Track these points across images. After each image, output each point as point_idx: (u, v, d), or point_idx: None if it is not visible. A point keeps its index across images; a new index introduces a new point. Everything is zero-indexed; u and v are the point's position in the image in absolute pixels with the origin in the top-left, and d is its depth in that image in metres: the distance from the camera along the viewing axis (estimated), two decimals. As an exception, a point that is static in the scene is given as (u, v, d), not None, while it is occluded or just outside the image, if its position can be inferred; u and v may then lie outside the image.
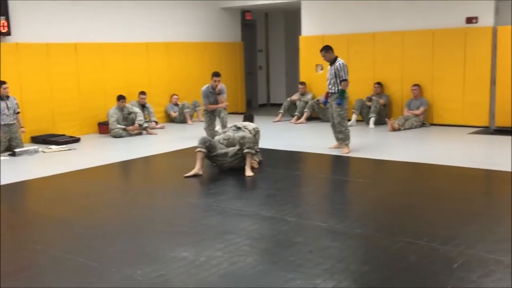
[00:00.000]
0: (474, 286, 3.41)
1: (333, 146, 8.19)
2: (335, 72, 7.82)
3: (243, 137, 6.79)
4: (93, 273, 3.79)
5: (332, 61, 7.91)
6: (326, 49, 7.94)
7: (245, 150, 6.71)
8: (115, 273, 3.77)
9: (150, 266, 3.84)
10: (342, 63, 7.83)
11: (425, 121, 10.42)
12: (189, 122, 11.64)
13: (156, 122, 11.08)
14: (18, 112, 8.88)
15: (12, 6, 9.31)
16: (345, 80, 7.78)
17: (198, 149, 6.70)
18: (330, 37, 11.48)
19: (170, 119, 11.92)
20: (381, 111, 10.63)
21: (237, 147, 6.80)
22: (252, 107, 14.57)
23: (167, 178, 7.12)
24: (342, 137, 8.01)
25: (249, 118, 7.71)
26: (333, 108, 7.96)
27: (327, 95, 8.08)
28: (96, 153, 8.77)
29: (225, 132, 7.22)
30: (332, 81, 7.88)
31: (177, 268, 3.79)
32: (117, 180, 7.36)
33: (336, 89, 7.86)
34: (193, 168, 6.63)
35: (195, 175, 6.59)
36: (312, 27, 11.88)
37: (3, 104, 8.61)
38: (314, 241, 4.32)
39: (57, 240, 4.56)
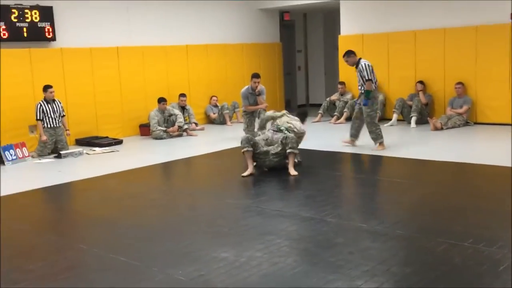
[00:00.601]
0: (521, 289, 3.32)
1: (347, 140, 8.36)
2: (360, 73, 7.94)
3: (285, 137, 6.81)
4: (135, 272, 3.86)
5: (357, 64, 8.04)
6: (348, 54, 8.14)
7: (288, 150, 6.73)
8: (157, 272, 3.83)
9: (191, 266, 3.89)
10: (365, 63, 7.95)
11: (469, 120, 10.18)
12: (229, 123, 11.71)
13: (196, 124, 11.20)
14: (64, 116, 9.13)
15: (57, 13, 9.58)
16: (369, 80, 7.86)
17: (245, 149, 6.75)
18: (370, 36, 11.36)
19: (210, 121, 12.03)
20: (422, 110, 10.43)
21: (279, 146, 6.83)
22: (291, 108, 14.53)
23: (208, 179, 7.19)
24: (374, 137, 8.10)
25: (303, 116, 7.72)
26: (363, 109, 8.06)
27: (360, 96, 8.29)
28: (138, 154, 8.93)
29: (264, 133, 7.24)
30: (359, 82, 8.01)
31: (217, 269, 3.82)
32: (159, 181, 7.46)
33: (363, 89, 7.96)
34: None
35: (251, 174, 6.69)
36: (351, 26, 11.77)
37: (49, 107, 8.87)
38: (354, 242, 4.28)
39: (101, 240, 4.66)
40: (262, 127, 7.68)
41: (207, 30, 12.14)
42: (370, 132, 8.10)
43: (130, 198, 6.10)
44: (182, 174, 7.84)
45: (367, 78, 7.86)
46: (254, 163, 6.95)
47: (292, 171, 6.64)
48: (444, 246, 4.06)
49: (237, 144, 7.79)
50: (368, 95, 7.87)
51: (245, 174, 6.67)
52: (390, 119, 10.70)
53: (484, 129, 9.75)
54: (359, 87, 8.05)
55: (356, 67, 8.04)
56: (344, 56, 8.20)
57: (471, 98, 10.18)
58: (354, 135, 8.42)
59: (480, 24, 10.05)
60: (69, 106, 9.66)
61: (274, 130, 7.12)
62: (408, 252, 4.10)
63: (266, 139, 7.01)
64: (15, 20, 9.01)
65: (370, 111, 7.96)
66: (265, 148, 6.86)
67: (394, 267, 3.73)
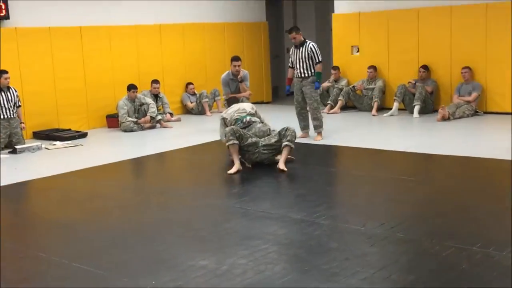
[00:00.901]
0: (536, 298, 3.36)
1: (301, 135, 8.44)
2: (308, 54, 8.22)
3: (286, 129, 6.81)
4: (102, 283, 3.84)
5: (301, 43, 8.31)
6: (297, 30, 8.42)
7: (285, 143, 6.73)
8: (127, 283, 3.81)
9: (166, 275, 3.88)
10: (315, 45, 8.37)
11: (478, 109, 10.26)
12: (208, 113, 11.69)
13: (171, 114, 11.16)
14: (19, 106, 9.03)
15: (10, -13, 9.46)
16: (320, 62, 8.27)
17: (231, 142, 6.70)
18: (368, 15, 11.40)
19: (187, 110, 12.00)
20: (426, 99, 10.49)
21: (274, 138, 6.82)
22: (279, 96, 14.55)
23: (184, 177, 7.18)
24: (317, 124, 8.44)
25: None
26: (307, 93, 8.32)
27: (290, 81, 8.56)
28: (105, 149, 8.89)
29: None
30: (304, 65, 8.27)
31: (196, 278, 3.82)
32: (129, 179, 7.44)
33: (309, 72, 8.24)
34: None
35: (238, 171, 6.63)
36: (347, 3, 11.79)
37: (3, 95, 8.76)
38: (350, 247, 4.30)
39: (63, 247, 4.63)
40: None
41: (183, 8, 12.07)
42: (314, 119, 8.42)
43: (95, 199, 6.07)
44: (155, 171, 7.82)
45: (318, 60, 8.23)
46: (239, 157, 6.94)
47: (282, 166, 6.63)
48: (451, 250, 4.10)
49: (218, 137, 7.78)
50: (320, 77, 8.29)
51: (231, 171, 6.63)
52: (390, 108, 10.75)
53: (496, 119, 9.84)
54: (302, 70, 8.28)
55: (299, 48, 8.30)
56: (292, 31, 8.40)
57: (480, 84, 10.24)
58: (307, 126, 8.67)
59: (491, 2, 10.12)
60: (25, 94, 9.55)
61: (243, 128, 6.96)
62: (411, 258, 4.12)
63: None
64: (-38, -5, 8.89)
65: (316, 95, 8.35)
66: (254, 139, 6.84)
67: (395, 275, 3.76)
